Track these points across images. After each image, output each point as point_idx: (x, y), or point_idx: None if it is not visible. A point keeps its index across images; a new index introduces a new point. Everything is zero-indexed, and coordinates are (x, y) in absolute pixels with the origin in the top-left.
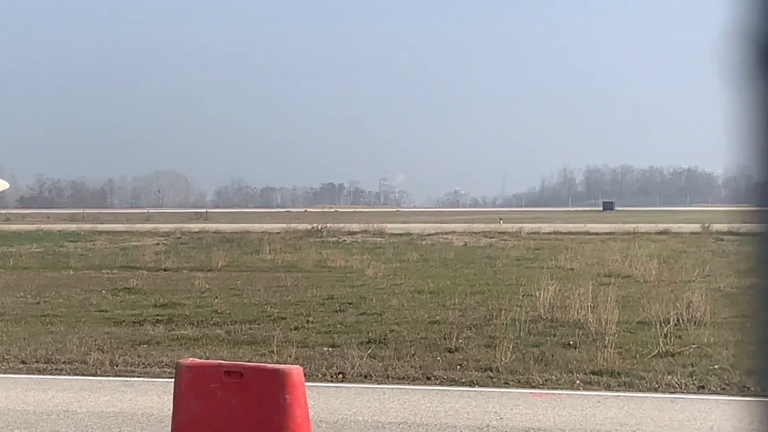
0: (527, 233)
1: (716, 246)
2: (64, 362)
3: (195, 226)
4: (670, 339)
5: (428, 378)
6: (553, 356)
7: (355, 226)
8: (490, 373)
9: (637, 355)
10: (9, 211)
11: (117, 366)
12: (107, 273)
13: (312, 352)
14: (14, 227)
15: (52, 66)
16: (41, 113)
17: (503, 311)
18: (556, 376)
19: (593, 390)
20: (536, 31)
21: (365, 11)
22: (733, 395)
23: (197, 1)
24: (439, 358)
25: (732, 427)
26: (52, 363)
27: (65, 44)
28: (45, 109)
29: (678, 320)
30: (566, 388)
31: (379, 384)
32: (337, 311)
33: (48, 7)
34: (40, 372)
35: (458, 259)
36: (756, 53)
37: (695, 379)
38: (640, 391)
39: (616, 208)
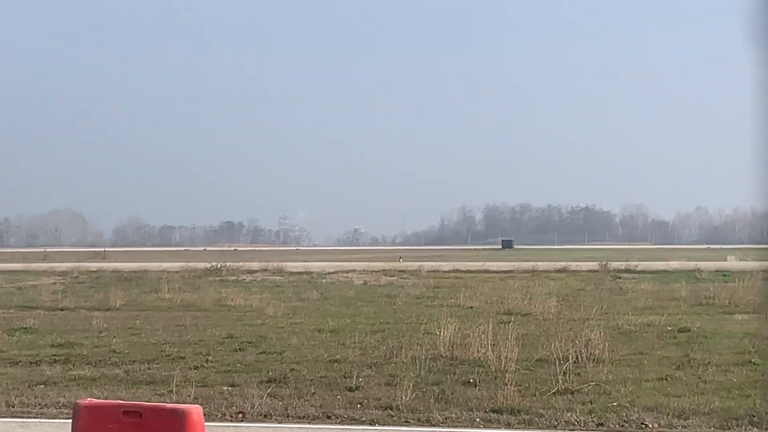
0: (427, 271)
1: (614, 284)
2: None
3: (93, 265)
4: (569, 376)
5: (329, 417)
6: (453, 394)
7: (254, 265)
8: (390, 411)
9: (537, 393)
10: None
11: (13, 407)
12: (3, 312)
13: (212, 392)
14: None
15: None
16: None
17: (404, 350)
18: (456, 414)
19: (493, 428)
20: (440, 67)
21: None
22: None
23: (88, 36)
24: (339, 397)
25: None
26: None
27: None
28: None
29: (577, 358)
30: (467, 426)
31: (279, 423)
32: (236, 350)
33: None
34: None
35: (358, 298)
36: None
37: (594, 417)
38: (539, 428)
39: (515, 246)
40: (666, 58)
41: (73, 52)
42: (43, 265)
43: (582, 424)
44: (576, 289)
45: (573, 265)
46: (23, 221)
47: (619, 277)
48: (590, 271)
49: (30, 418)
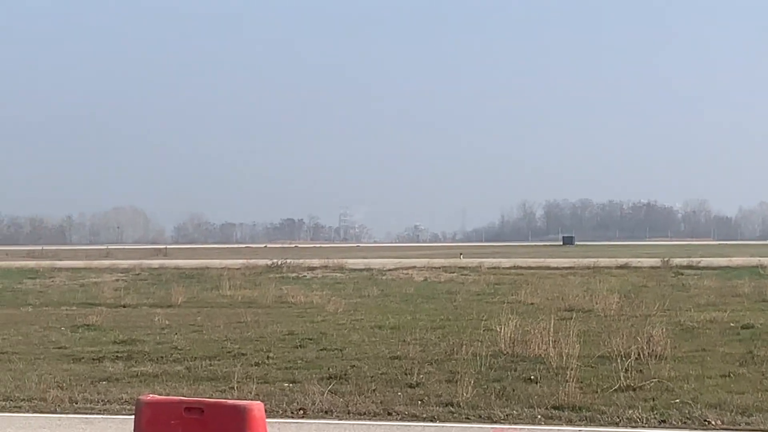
0: (487, 268)
1: (676, 280)
2: (23, 400)
3: (155, 263)
4: (631, 373)
5: (389, 413)
6: (514, 391)
7: (315, 262)
8: (451, 408)
9: (599, 390)
10: None
11: (77, 403)
12: (66, 310)
13: (272, 388)
14: None
15: (9, 103)
16: None
17: (464, 346)
18: (517, 410)
19: (555, 425)
20: (498, 65)
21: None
22: (694, 429)
23: (150, 39)
24: (400, 394)
25: None
26: (11, 401)
27: (22, 82)
28: (2, 145)
29: (639, 354)
30: (528, 423)
31: (340, 420)
32: (297, 347)
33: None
34: None
35: (419, 294)
36: None
37: (656, 413)
38: (601, 425)
39: (576, 243)
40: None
41: (139, 50)
42: (106, 263)
43: (644, 421)
44: (637, 286)
45: (634, 262)
46: (86, 219)
47: (681, 274)
48: (652, 267)
49: (93, 414)
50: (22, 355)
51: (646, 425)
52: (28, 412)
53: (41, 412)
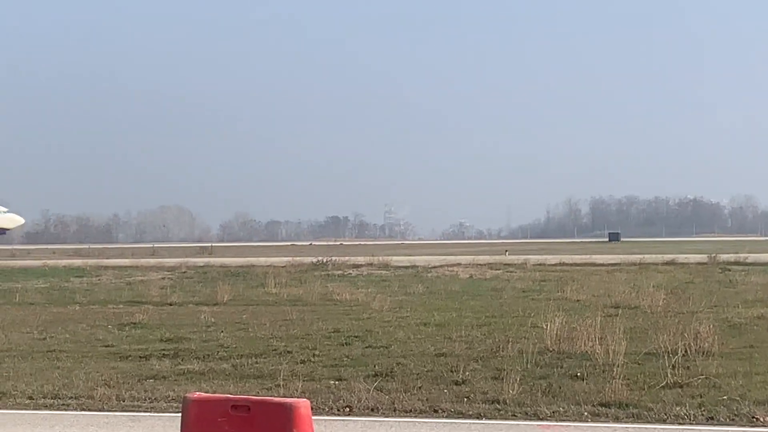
0: (533, 265)
1: (723, 276)
2: (71, 398)
3: (200, 261)
4: (678, 370)
5: (435, 411)
6: (560, 388)
7: (360, 259)
8: (497, 405)
9: (646, 387)
10: (14, 247)
11: (124, 401)
12: (113, 308)
13: (318, 386)
14: (20, 263)
15: (57, 101)
16: (46, 148)
17: (510, 343)
18: (564, 407)
19: (602, 422)
20: (540, 62)
21: (359, 45)
22: (742, 426)
23: (205, 39)
24: (446, 391)
25: None
26: (59, 399)
27: (69, 80)
28: (50, 144)
29: (686, 351)
30: (574, 420)
31: (386, 417)
32: (343, 344)
33: (53, 40)
34: (47, 408)
35: (464, 291)
36: None
37: (704, 410)
38: (648, 422)
39: (622, 239)
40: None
41: (184, 50)
42: (152, 261)
43: (691, 418)
44: (684, 282)
45: (681, 258)
46: (132, 217)
47: (729, 270)
48: (699, 263)
49: (140, 412)
50: (70, 354)
51: (694, 422)
52: (75, 410)
53: (89, 410)
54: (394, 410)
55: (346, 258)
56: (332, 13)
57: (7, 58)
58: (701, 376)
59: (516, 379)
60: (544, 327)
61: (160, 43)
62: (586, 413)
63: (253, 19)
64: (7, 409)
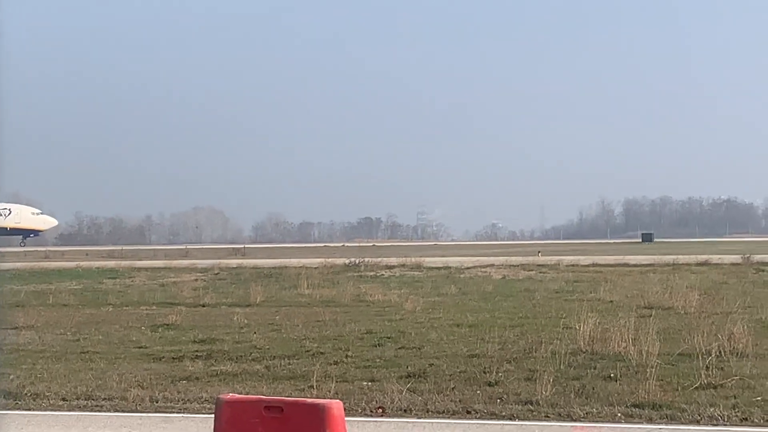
0: (566, 266)
1: (757, 277)
2: (104, 399)
3: (233, 262)
4: (712, 371)
5: (468, 412)
6: (593, 389)
7: (393, 260)
8: (530, 406)
9: (679, 388)
10: (48, 249)
11: (157, 402)
12: (146, 309)
13: (351, 387)
14: (53, 264)
15: (90, 103)
16: (79, 150)
17: (543, 344)
18: (597, 408)
19: (635, 423)
20: (571, 62)
21: (396, 48)
22: None
23: (242, 46)
24: (478, 392)
25: None
26: (93, 400)
27: (103, 84)
28: (83, 146)
29: (720, 352)
30: (608, 421)
31: (419, 418)
32: (376, 345)
33: (90, 47)
34: (80, 409)
35: (497, 292)
36: None
37: (738, 411)
38: (682, 423)
39: (655, 240)
40: None
41: (219, 56)
42: (185, 262)
43: (725, 419)
44: (718, 283)
45: (715, 258)
46: (165, 219)
47: (763, 270)
48: (732, 264)
49: (173, 413)
50: (103, 355)
51: (728, 423)
52: (109, 411)
53: (122, 411)
54: (427, 411)
55: (379, 259)
56: (371, 24)
57: (43, 60)
58: (735, 377)
59: (549, 380)
60: (577, 328)
61: (194, 51)
62: (619, 414)
63: (283, 26)
64: (41, 410)
